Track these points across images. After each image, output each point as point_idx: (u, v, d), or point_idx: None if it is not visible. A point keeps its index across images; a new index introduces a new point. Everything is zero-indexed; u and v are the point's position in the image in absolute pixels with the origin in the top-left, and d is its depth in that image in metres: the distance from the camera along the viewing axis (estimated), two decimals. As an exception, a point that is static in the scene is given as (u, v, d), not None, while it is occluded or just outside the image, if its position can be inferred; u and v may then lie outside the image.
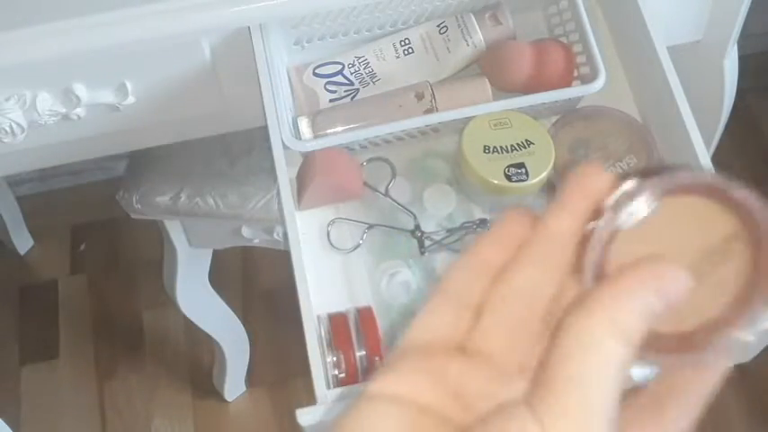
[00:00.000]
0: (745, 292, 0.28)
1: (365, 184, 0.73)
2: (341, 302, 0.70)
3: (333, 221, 0.73)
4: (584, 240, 0.28)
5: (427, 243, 0.72)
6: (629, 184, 0.28)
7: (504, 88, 0.77)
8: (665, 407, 0.29)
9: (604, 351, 0.25)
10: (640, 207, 0.28)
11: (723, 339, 0.28)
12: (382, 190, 0.74)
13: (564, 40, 0.79)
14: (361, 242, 0.72)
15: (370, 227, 0.72)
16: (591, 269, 0.27)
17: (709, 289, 0.28)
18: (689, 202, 0.28)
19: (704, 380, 0.29)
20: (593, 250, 0.27)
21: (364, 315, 0.67)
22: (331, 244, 0.72)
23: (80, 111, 0.77)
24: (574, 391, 0.25)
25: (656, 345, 0.28)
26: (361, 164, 0.74)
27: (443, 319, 0.29)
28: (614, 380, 0.25)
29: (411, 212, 0.72)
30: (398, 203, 0.73)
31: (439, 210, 0.74)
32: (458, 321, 0.28)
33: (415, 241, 0.72)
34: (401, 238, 0.73)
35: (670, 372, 0.29)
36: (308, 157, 0.72)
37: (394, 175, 0.74)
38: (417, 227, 0.72)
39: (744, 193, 0.28)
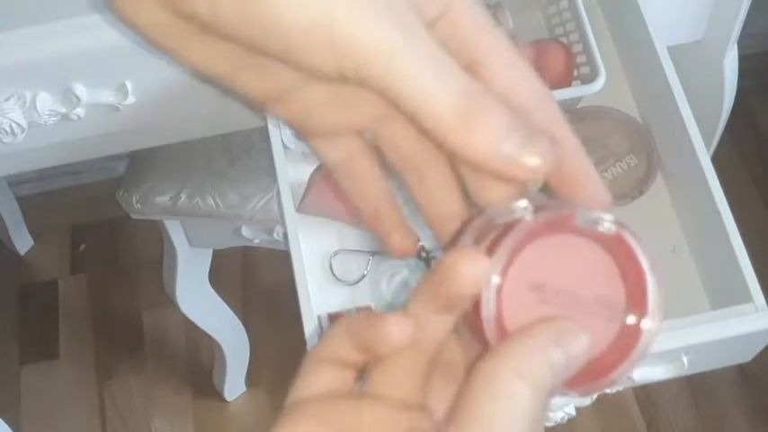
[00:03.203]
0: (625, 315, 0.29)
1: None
2: (341, 302, 0.70)
3: (336, 252, 0.72)
4: (477, 303, 0.28)
5: (434, 263, 0.71)
6: (506, 241, 0.28)
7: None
8: None
9: (512, 392, 0.26)
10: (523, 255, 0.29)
11: (624, 366, 0.29)
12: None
13: (564, 40, 0.79)
14: (365, 273, 0.72)
15: (374, 255, 0.72)
16: (491, 322, 0.28)
17: (601, 319, 0.29)
18: (562, 241, 0.29)
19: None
20: (487, 305, 0.28)
21: (364, 315, 0.67)
22: (334, 276, 0.72)
23: (80, 111, 0.76)
24: (481, 428, 0.26)
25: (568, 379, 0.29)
26: None
27: (326, 378, 0.30)
28: (523, 419, 0.26)
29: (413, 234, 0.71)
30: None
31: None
32: (342, 379, 0.30)
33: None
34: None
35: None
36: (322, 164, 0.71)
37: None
38: (422, 248, 0.71)
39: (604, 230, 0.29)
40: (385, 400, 0.29)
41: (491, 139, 0.26)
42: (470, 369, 0.27)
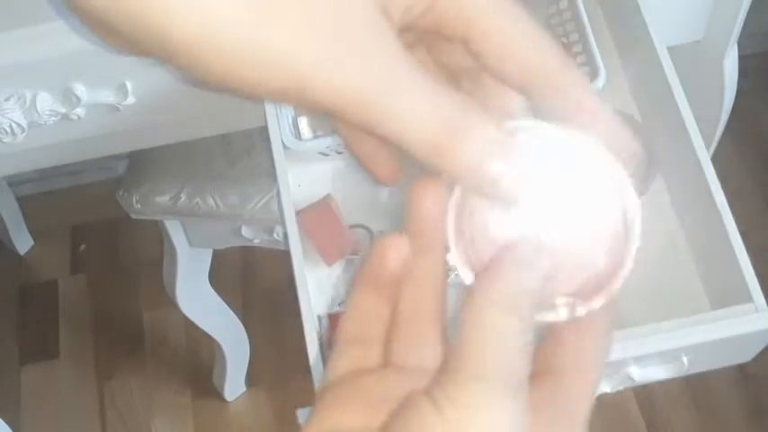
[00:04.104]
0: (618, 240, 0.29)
1: (351, 253, 0.72)
2: (341, 302, 0.70)
3: (341, 303, 0.71)
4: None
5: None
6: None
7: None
8: (565, 374, 0.29)
9: (499, 328, 0.26)
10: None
11: (606, 291, 0.29)
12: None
13: (564, 39, 0.78)
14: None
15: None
16: (459, 248, 0.29)
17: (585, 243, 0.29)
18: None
19: (595, 335, 0.30)
20: (449, 228, 0.29)
21: (364, 315, 0.67)
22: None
23: (80, 111, 0.76)
24: (470, 368, 0.25)
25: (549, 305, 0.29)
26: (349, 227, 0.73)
27: (352, 355, 0.30)
28: (515, 354, 0.26)
29: None
30: None
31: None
32: (367, 355, 0.30)
33: None
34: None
35: (561, 336, 0.30)
36: (315, 204, 0.72)
37: (373, 239, 0.73)
38: None
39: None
40: (408, 368, 0.29)
41: (468, 164, 0.27)
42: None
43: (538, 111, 0.30)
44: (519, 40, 0.29)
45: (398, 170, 0.32)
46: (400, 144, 0.27)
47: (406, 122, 0.26)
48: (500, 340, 0.26)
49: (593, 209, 0.29)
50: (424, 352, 0.29)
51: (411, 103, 0.26)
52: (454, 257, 0.29)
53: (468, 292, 0.27)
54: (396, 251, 0.29)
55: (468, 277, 0.29)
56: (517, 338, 0.26)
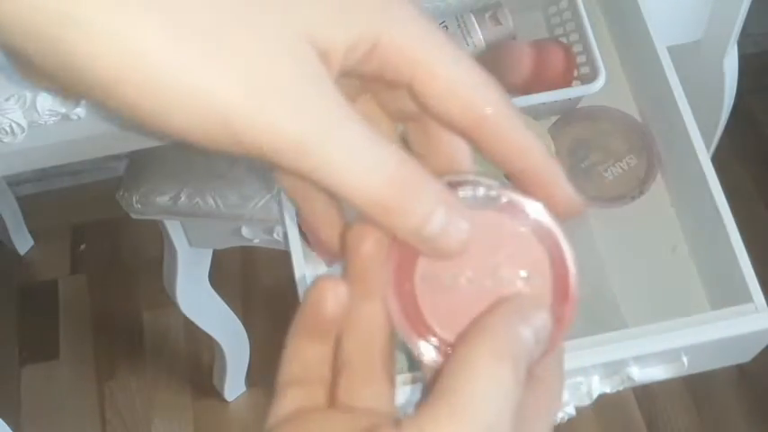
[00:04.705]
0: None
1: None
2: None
3: None
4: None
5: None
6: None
7: (504, 88, 0.77)
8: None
9: (493, 374, 0.25)
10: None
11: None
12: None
13: (564, 40, 0.79)
14: None
15: None
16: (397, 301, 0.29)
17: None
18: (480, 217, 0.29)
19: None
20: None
21: (364, 315, 0.67)
22: None
23: (80, 111, 0.76)
24: (454, 411, 0.24)
25: None
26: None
27: (296, 396, 0.29)
28: (508, 403, 0.25)
29: None
30: None
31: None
32: (311, 396, 0.29)
33: None
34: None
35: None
36: None
37: None
38: None
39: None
40: (356, 409, 0.29)
41: (412, 224, 0.26)
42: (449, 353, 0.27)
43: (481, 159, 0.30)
44: (465, 79, 0.28)
45: (337, 249, 0.32)
46: (337, 194, 0.25)
47: (343, 173, 0.25)
48: (491, 387, 0.25)
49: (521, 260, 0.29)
50: (372, 393, 0.29)
51: (348, 154, 0.25)
52: (395, 314, 0.29)
53: (460, 340, 0.26)
54: (333, 296, 0.28)
55: (408, 336, 0.28)
56: (508, 391, 0.25)
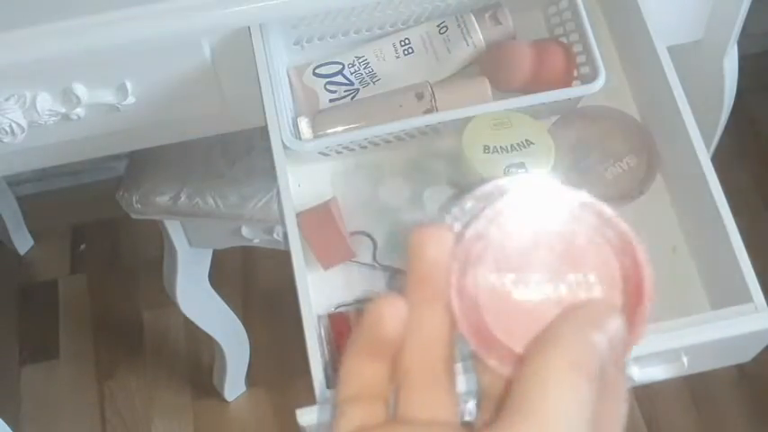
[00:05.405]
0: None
1: (352, 260, 0.71)
2: (341, 303, 0.70)
3: (338, 307, 0.71)
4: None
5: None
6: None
7: (504, 88, 0.77)
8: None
9: (569, 385, 0.25)
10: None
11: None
12: (368, 259, 0.72)
13: (564, 39, 0.78)
14: None
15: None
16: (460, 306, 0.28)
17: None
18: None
19: None
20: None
21: (364, 315, 0.67)
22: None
23: (80, 111, 0.76)
24: (536, 426, 0.24)
25: None
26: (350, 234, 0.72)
27: (356, 414, 0.29)
28: (583, 413, 0.25)
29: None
30: (394, 268, 0.71)
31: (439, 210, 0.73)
32: (372, 413, 0.29)
33: None
34: (402, 237, 0.72)
35: None
36: (316, 207, 0.71)
37: (375, 246, 0.72)
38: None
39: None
40: (419, 422, 0.28)
41: None
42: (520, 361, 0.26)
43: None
44: None
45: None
46: None
47: None
48: (569, 399, 0.24)
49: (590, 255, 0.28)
50: (433, 402, 0.28)
51: None
52: (459, 319, 0.28)
53: (532, 348, 0.26)
54: (393, 317, 0.28)
55: (471, 341, 0.28)
56: (585, 401, 0.25)
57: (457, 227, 0.29)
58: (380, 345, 0.28)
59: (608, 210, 0.28)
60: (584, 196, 0.28)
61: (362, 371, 0.29)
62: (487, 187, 0.29)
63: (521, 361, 0.26)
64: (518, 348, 0.28)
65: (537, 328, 0.27)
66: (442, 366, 0.28)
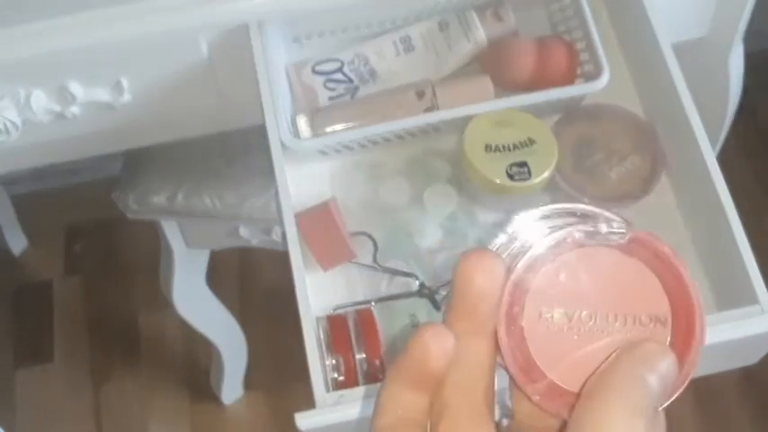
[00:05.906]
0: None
1: (352, 261, 0.70)
2: (340, 304, 0.69)
3: (336, 308, 0.69)
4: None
5: (438, 297, 0.69)
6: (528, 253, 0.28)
7: (506, 86, 0.77)
8: None
9: (621, 427, 0.25)
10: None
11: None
12: (369, 261, 0.71)
13: (567, 37, 0.78)
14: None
15: (376, 302, 0.69)
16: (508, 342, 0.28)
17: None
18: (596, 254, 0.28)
19: None
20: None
21: (364, 317, 0.66)
22: None
23: (75, 109, 0.76)
24: None
25: None
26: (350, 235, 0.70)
27: None
28: None
29: (411, 274, 0.69)
30: (395, 270, 0.70)
31: (440, 210, 0.73)
32: None
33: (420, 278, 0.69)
34: (403, 237, 0.71)
35: None
36: (315, 207, 0.70)
37: (376, 247, 0.71)
38: (422, 284, 0.69)
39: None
40: None
41: None
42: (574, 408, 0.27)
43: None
44: None
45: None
46: None
47: None
48: None
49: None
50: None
51: None
52: (506, 353, 0.28)
53: (589, 395, 0.26)
54: (439, 350, 0.27)
55: (513, 371, 0.28)
56: None
57: (504, 253, 0.29)
58: (424, 378, 0.28)
59: (661, 244, 0.28)
60: (640, 234, 0.28)
61: (402, 398, 0.28)
62: (535, 213, 0.29)
63: (577, 402, 0.27)
64: (561, 382, 0.28)
65: (584, 363, 0.27)
66: (484, 400, 0.28)
